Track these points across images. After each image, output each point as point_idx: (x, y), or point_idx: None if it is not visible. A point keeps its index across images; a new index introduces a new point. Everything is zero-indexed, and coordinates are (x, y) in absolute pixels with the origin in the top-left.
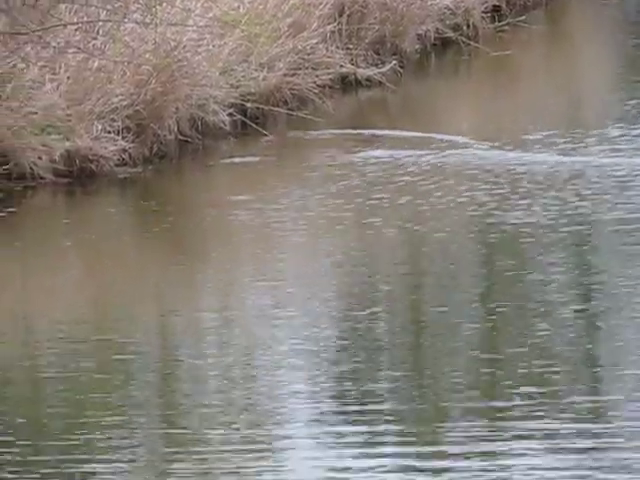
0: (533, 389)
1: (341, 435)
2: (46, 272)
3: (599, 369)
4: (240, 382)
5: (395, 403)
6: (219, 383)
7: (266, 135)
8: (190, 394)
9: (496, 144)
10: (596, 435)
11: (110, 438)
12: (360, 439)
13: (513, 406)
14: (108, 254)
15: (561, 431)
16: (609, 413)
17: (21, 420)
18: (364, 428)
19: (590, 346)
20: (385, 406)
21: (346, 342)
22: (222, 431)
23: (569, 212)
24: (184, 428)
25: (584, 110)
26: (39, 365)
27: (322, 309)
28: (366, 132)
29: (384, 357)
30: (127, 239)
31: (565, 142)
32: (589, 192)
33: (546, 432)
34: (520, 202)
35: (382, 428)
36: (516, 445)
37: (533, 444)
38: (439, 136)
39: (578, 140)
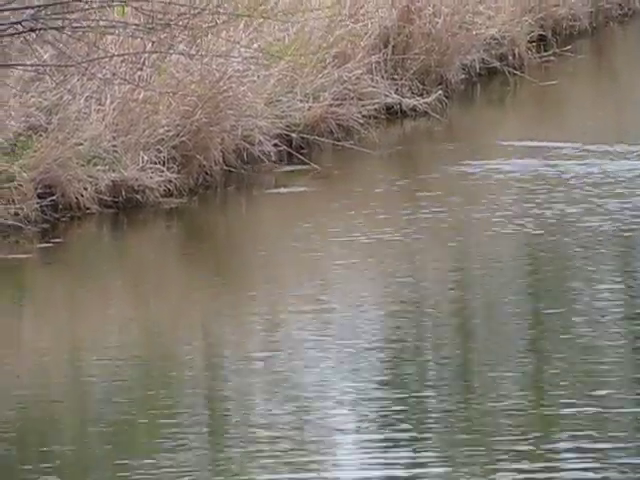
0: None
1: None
2: (92, 303)
3: None
4: (288, 418)
5: (443, 445)
6: (267, 421)
7: (311, 165)
8: (238, 438)
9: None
10: None
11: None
12: None
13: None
14: (154, 285)
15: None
16: None
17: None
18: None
19: None
20: (432, 453)
21: (393, 375)
22: (268, 460)
23: None
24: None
25: (633, 139)
26: (84, 401)
27: (370, 340)
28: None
29: (432, 390)
30: (173, 270)
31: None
32: None
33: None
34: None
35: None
36: None
37: None
38: (485, 165)
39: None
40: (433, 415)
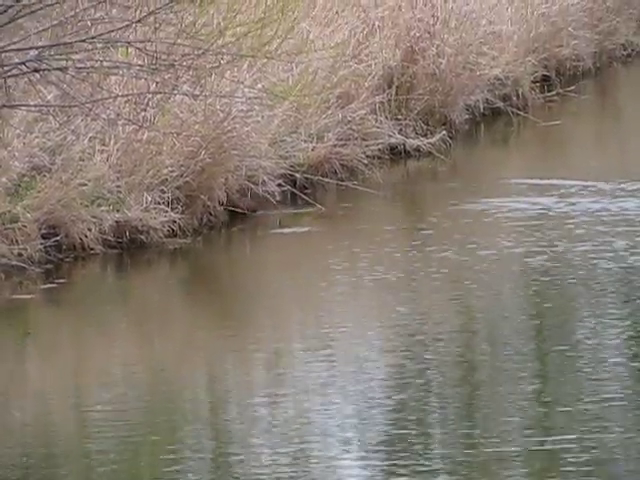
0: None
1: None
2: (97, 344)
3: None
4: (291, 460)
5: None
6: (271, 462)
7: (315, 206)
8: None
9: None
10: None
11: None
12: None
13: None
14: (158, 326)
15: None
16: None
17: None
18: None
19: None
20: None
21: (400, 414)
22: None
23: None
24: None
25: (638, 177)
26: (89, 443)
27: (375, 381)
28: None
29: (438, 437)
30: (177, 310)
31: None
32: None
33: None
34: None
35: None
36: None
37: None
38: (490, 204)
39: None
40: (438, 465)
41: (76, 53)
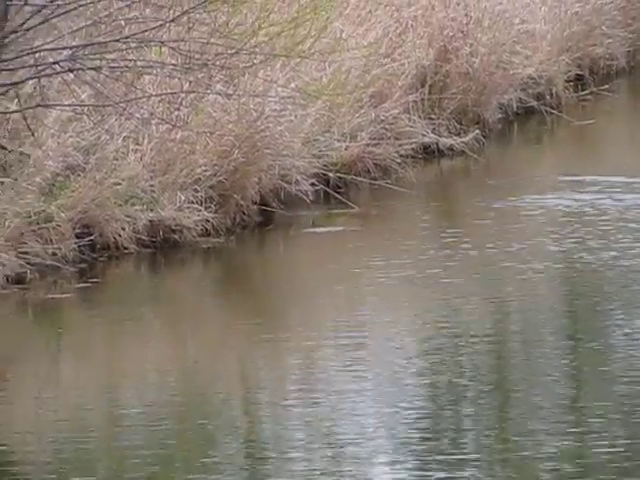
0: None
1: None
2: (130, 343)
3: None
4: (324, 464)
5: None
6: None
7: (349, 205)
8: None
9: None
10: None
11: None
12: None
13: None
14: (192, 325)
15: None
16: None
17: None
18: None
19: None
20: None
21: (432, 415)
22: None
23: None
24: None
25: None
26: (122, 443)
27: (408, 382)
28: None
29: (469, 427)
30: (210, 310)
31: None
32: None
33: None
34: None
35: None
36: None
37: None
38: (523, 202)
39: None
40: (471, 463)
41: (110, 53)
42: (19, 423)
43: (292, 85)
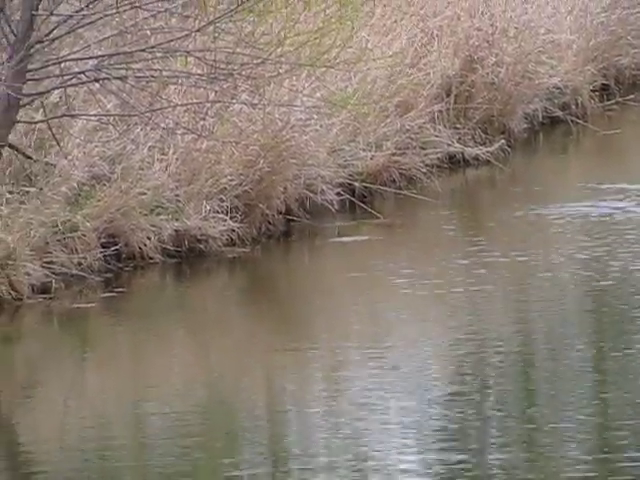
0: None
1: None
2: (156, 353)
3: None
4: (350, 475)
5: None
6: (328, 477)
7: (374, 214)
8: None
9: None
10: None
11: None
12: None
13: None
14: (217, 335)
15: None
16: None
17: None
18: None
19: None
20: None
21: (456, 434)
22: None
23: None
24: None
25: None
26: (146, 451)
27: (433, 394)
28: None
29: (496, 442)
30: (236, 320)
31: None
32: None
33: None
34: None
35: None
36: None
37: None
38: (550, 212)
39: None
40: (497, 472)
41: (135, 62)
42: (44, 432)
43: (317, 95)
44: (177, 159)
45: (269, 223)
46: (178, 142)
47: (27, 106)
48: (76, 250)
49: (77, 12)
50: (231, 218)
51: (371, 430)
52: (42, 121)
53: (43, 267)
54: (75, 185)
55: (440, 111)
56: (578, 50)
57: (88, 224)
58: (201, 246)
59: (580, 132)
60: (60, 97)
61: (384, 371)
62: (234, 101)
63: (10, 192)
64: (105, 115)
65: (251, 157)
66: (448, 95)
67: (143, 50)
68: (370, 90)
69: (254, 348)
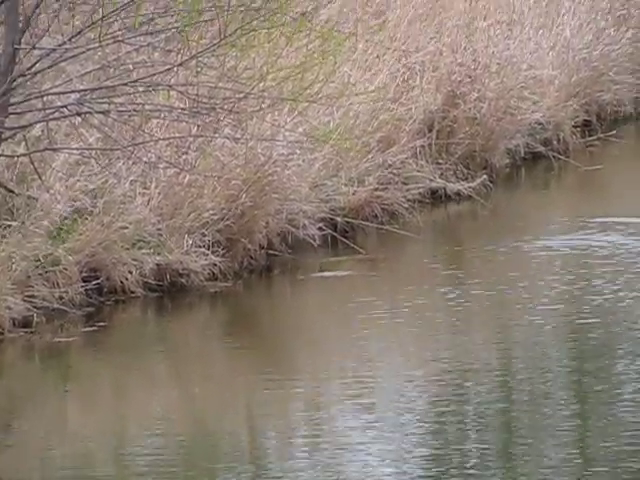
0: None
1: None
2: (137, 388)
3: None
4: None
5: None
6: None
7: (356, 249)
8: None
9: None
10: None
11: None
12: None
13: None
14: (199, 370)
15: None
16: None
17: None
18: None
19: None
20: None
21: (439, 456)
22: None
23: None
24: None
25: None
26: None
27: (417, 431)
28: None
29: (476, 470)
30: (218, 355)
31: None
32: None
33: None
34: None
35: None
36: None
37: None
38: (531, 246)
39: None
40: None
41: (118, 96)
42: (24, 468)
43: (300, 129)
44: (159, 193)
45: (251, 258)
46: (160, 176)
47: (9, 140)
48: (58, 284)
49: (60, 46)
50: (213, 252)
51: (353, 462)
52: (24, 155)
53: (24, 301)
54: (57, 219)
55: (422, 146)
56: (560, 86)
57: (70, 258)
58: (183, 280)
59: (562, 167)
60: (42, 131)
61: (366, 407)
62: (216, 135)
63: None
64: (87, 149)
65: (233, 191)
66: (430, 130)
67: (125, 84)
68: (352, 125)
69: (236, 383)
